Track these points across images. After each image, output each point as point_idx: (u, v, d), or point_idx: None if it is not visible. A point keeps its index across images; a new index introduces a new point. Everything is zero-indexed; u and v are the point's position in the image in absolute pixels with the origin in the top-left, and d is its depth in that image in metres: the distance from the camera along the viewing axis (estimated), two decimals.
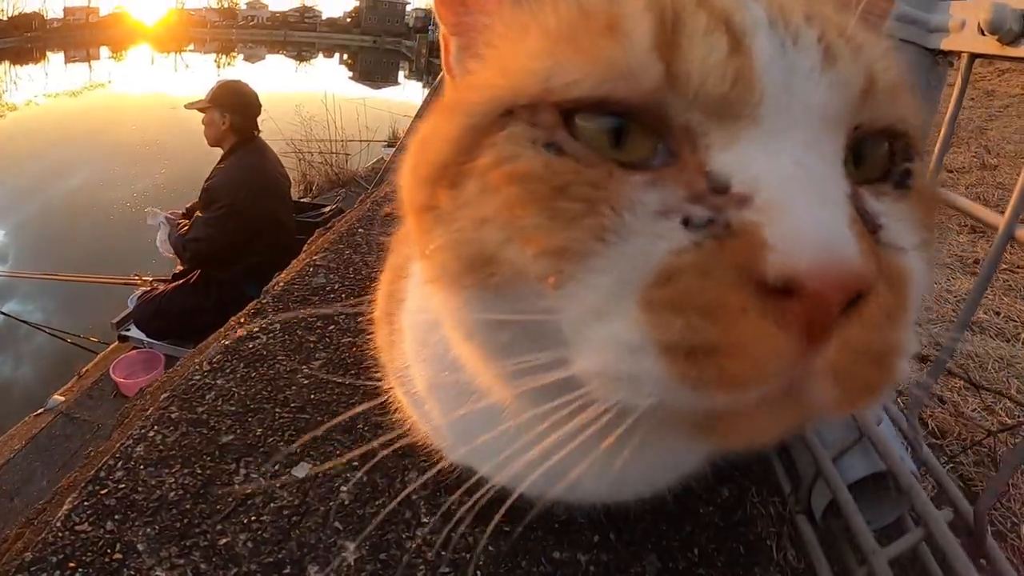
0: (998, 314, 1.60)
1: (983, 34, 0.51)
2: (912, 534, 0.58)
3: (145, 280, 3.31)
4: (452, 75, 0.42)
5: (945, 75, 0.67)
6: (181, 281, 2.93)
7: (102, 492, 0.60)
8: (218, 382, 0.77)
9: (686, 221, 0.29)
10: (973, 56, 0.54)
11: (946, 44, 0.60)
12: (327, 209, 3.57)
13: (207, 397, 0.74)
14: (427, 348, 0.49)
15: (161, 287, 3.03)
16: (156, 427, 0.69)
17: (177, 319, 2.83)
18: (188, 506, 0.59)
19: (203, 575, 0.53)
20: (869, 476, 0.67)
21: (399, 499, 0.61)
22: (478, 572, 0.57)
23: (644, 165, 0.31)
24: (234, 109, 2.92)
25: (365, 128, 7.11)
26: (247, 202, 2.79)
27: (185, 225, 2.93)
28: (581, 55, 0.31)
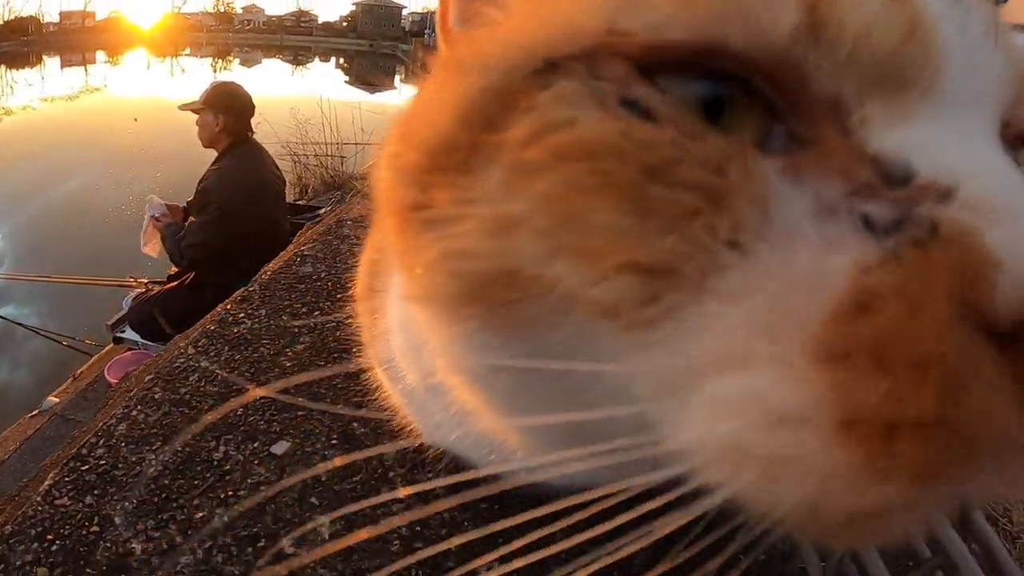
0: None
1: None
2: None
3: (140, 282, 3.31)
4: (450, 36, 0.30)
5: None
6: (175, 283, 2.94)
7: (83, 468, 0.61)
8: (202, 364, 0.78)
9: (867, 220, 0.20)
10: None
11: None
12: (322, 211, 3.58)
13: (191, 379, 0.75)
14: (411, 350, 0.41)
15: (156, 289, 3.03)
16: (139, 407, 0.69)
17: (172, 320, 2.83)
18: (167, 482, 0.60)
19: (178, 547, 0.53)
20: None
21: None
22: (451, 549, 0.58)
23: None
24: (228, 110, 2.93)
25: (360, 131, 7.13)
26: (241, 204, 2.80)
27: (181, 228, 2.93)
28: None
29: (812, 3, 0.21)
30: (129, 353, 2.94)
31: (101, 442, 0.64)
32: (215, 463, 0.62)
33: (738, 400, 0.19)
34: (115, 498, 0.58)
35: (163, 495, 0.58)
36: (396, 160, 0.28)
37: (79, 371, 3.15)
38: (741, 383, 0.19)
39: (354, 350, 0.66)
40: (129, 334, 2.95)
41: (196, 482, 0.60)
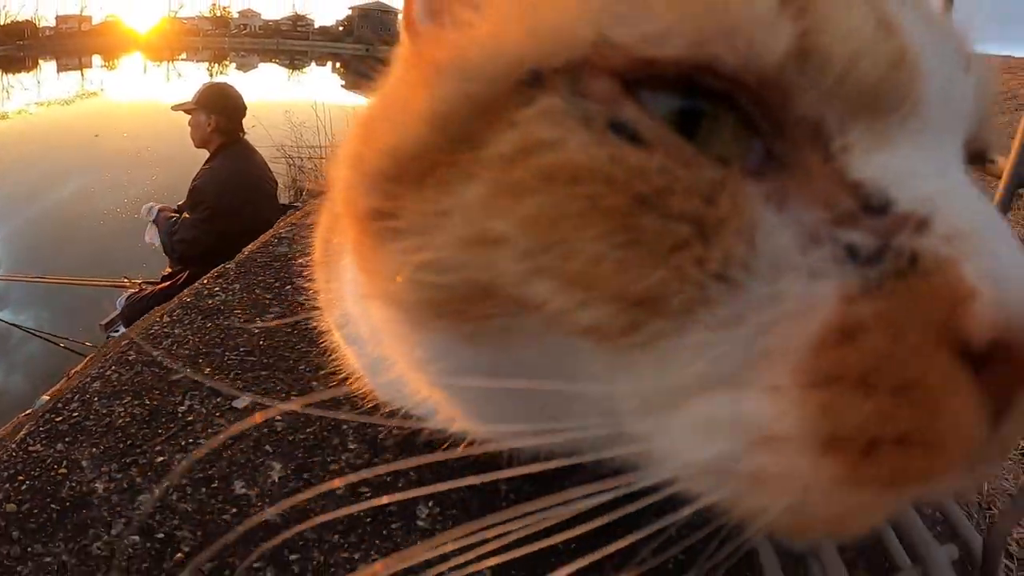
0: None
1: None
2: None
3: (134, 282, 3.35)
4: (416, 32, 0.28)
5: None
6: (168, 283, 2.97)
7: (57, 419, 0.65)
8: (176, 331, 0.82)
9: (851, 251, 0.21)
10: None
11: None
12: None
13: (164, 343, 0.79)
14: (363, 317, 0.41)
15: (149, 289, 3.07)
16: (114, 367, 0.74)
17: None
18: (133, 431, 0.64)
19: (137, 487, 0.57)
20: None
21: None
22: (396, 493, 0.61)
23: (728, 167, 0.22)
24: (219, 111, 2.98)
25: None
26: (232, 203, 2.84)
27: (175, 219, 2.97)
28: None
29: (804, 29, 0.21)
30: None
31: (76, 397, 0.68)
32: (179, 415, 0.66)
33: (728, 421, 0.21)
34: (83, 445, 0.62)
35: (128, 442, 0.62)
36: (357, 162, 0.27)
37: (73, 371, 3.17)
38: (732, 406, 0.20)
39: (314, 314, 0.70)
40: (122, 333, 2.99)
41: (160, 432, 0.64)
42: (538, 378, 0.23)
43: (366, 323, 0.41)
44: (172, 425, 0.64)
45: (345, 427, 0.66)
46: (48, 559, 0.50)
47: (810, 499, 0.20)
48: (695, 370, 0.21)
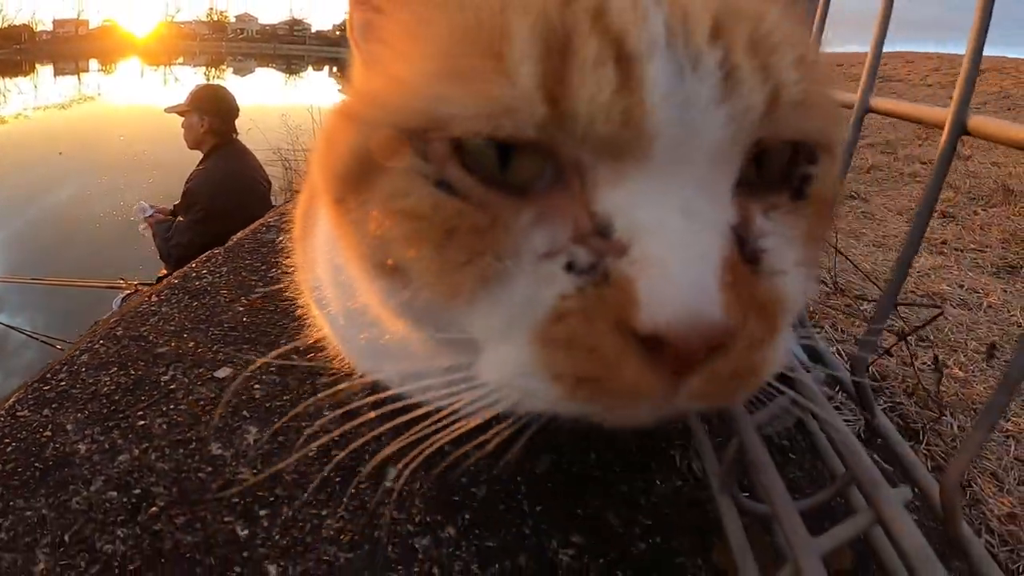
0: (962, 286, 1.67)
1: None
2: (857, 518, 0.43)
3: (130, 284, 3.36)
4: (358, 48, 0.41)
5: None
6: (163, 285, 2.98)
7: (45, 388, 0.68)
8: (163, 310, 0.85)
9: (570, 265, 0.31)
10: None
11: None
12: None
13: (151, 320, 0.82)
14: (338, 275, 0.50)
15: (144, 290, 3.09)
16: (102, 341, 0.76)
17: None
18: (117, 398, 0.66)
19: (119, 448, 0.60)
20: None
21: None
22: (366, 456, 0.64)
23: (533, 188, 0.32)
24: (213, 112, 2.99)
25: None
26: (226, 204, 2.85)
27: (169, 223, 2.98)
28: (466, 86, 0.30)
29: (555, 97, 0.30)
30: None
31: (64, 368, 0.71)
32: (162, 384, 0.68)
33: (503, 359, 0.33)
34: (69, 410, 0.64)
35: (111, 408, 0.65)
36: (324, 163, 0.38)
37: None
38: (505, 350, 0.32)
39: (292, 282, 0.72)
40: None
41: (143, 399, 0.66)
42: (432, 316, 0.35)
43: (332, 285, 0.53)
44: (155, 393, 0.67)
45: (322, 394, 0.68)
46: (28, 512, 0.52)
47: (560, 407, 0.32)
48: (493, 325, 0.32)
